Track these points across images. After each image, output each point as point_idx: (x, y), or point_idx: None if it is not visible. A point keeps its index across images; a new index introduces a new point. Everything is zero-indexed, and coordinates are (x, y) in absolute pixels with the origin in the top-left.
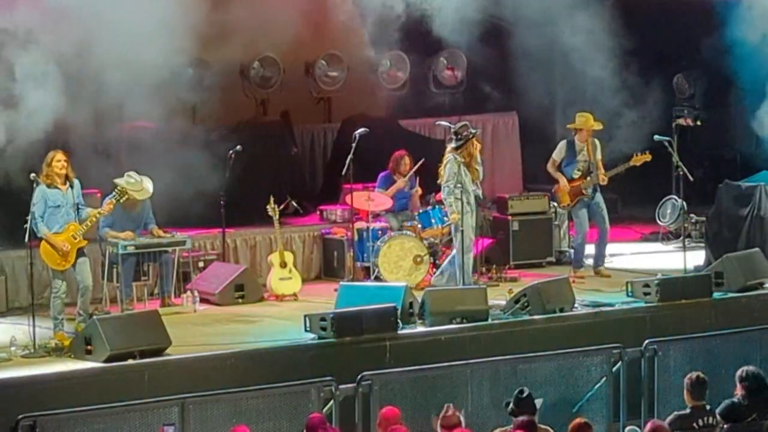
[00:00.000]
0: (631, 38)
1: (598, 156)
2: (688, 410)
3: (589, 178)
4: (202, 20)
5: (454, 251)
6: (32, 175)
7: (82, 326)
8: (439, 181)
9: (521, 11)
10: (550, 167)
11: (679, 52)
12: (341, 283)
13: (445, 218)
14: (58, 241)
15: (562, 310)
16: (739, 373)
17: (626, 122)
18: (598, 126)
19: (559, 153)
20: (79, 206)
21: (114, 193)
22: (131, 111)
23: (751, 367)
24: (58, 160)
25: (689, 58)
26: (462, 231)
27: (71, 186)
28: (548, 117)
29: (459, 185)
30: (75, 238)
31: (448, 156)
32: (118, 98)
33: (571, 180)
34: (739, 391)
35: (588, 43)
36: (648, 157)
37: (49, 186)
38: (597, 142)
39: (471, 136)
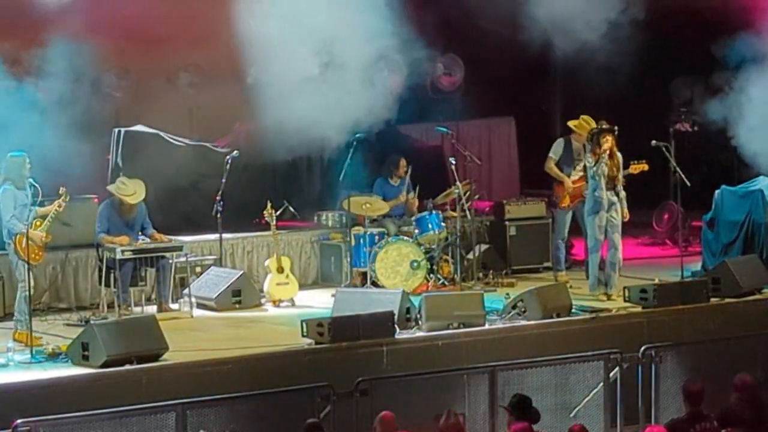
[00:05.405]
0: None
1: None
2: (685, 416)
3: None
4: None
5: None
6: None
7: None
8: None
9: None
10: (549, 166)
11: (677, 56)
12: (338, 288)
13: (443, 223)
14: (37, 235)
15: (559, 315)
16: (735, 379)
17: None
18: None
19: (556, 151)
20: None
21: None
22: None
23: (746, 374)
24: (29, 164)
25: (687, 63)
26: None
27: (29, 186)
28: (546, 122)
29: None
30: (44, 232)
31: None
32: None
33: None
34: (735, 397)
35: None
36: (645, 167)
37: (18, 188)
38: None
39: (592, 133)
